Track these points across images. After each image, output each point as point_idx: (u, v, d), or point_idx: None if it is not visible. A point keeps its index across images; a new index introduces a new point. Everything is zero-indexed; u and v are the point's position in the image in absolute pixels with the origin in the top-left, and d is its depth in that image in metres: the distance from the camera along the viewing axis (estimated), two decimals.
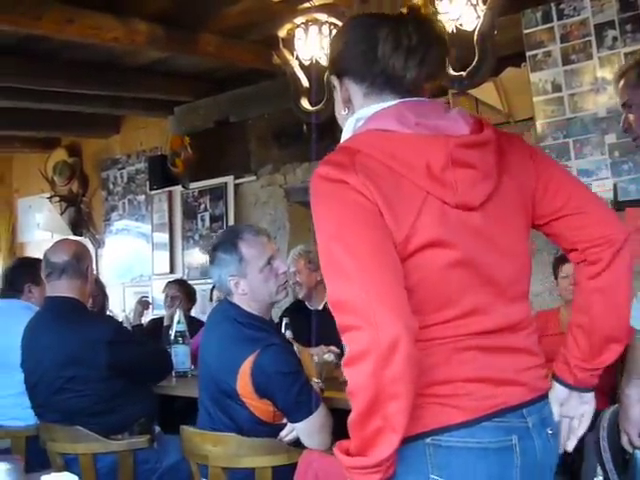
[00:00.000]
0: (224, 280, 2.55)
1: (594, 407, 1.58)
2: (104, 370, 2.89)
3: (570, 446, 1.57)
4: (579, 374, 1.55)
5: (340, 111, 1.56)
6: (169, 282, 5.13)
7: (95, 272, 3.37)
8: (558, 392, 1.56)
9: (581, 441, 1.60)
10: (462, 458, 1.34)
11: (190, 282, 6.40)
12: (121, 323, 4.02)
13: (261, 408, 2.41)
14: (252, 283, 2.53)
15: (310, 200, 1.45)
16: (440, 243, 1.37)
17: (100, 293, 4.59)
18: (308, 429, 2.35)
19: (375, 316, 1.25)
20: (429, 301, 1.38)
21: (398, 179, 1.36)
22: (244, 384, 2.37)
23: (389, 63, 1.43)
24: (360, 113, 1.48)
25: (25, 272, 3.49)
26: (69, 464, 2.83)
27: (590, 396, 1.57)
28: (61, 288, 3.04)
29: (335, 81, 1.55)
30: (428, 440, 1.34)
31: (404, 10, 1.48)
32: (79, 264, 3.05)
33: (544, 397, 1.51)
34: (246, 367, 2.35)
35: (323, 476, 2.13)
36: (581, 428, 1.57)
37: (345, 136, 1.51)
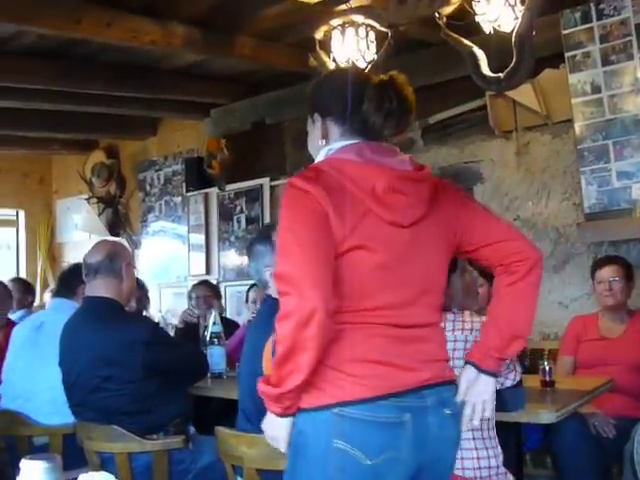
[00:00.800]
0: (260, 271, 2.55)
1: (493, 397, 1.92)
2: (139, 370, 2.90)
3: (474, 424, 1.91)
4: (489, 361, 1.90)
5: (316, 142, 1.94)
6: (195, 284, 5.12)
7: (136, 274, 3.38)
8: (469, 374, 1.89)
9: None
10: (361, 429, 1.67)
11: (225, 284, 6.46)
12: (157, 324, 4.05)
13: None
14: None
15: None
16: (368, 248, 1.75)
17: (143, 295, 4.64)
18: None
19: (302, 288, 1.66)
20: (352, 291, 1.75)
21: (349, 195, 1.76)
22: (267, 362, 2.33)
23: (370, 119, 1.85)
24: (332, 145, 1.88)
25: (79, 274, 3.54)
26: (105, 462, 2.86)
27: (492, 385, 1.91)
28: (98, 288, 3.07)
29: (317, 118, 1.94)
30: (335, 410, 1.68)
31: (385, 77, 1.94)
32: (112, 264, 3.08)
33: (447, 383, 1.83)
34: (268, 346, 2.32)
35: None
36: (487, 411, 1.90)
37: (318, 160, 1.90)
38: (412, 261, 1.81)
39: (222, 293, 6.26)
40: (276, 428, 1.79)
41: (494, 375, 1.91)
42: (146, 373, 2.92)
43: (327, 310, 1.64)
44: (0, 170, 8.06)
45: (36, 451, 3.10)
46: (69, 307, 3.36)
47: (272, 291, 2.56)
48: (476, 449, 2.17)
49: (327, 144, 1.90)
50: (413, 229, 1.81)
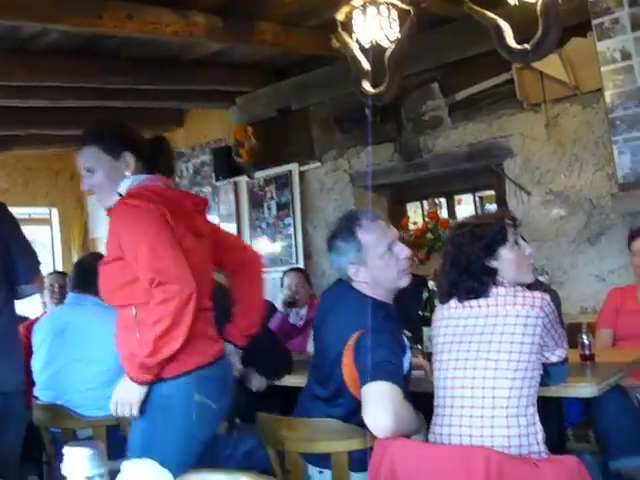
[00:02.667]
0: (343, 267, 2.49)
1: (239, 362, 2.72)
2: None
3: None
4: (240, 338, 2.68)
5: (117, 174, 2.44)
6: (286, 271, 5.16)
7: None
8: (230, 348, 2.63)
9: None
10: (209, 384, 2.34)
11: None
12: None
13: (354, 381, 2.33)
14: (372, 271, 2.46)
15: (118, 222, 2.35)
16: (192, 250, 2.35)
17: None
18: (367, 395, 2.18)
19: (181, 277, 2.23)
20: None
21: (175, 209, 2.36)
22: (348, 357, 2.33)
23: (163, 164, 2.58)
24: (136, 177, 2.44)
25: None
26: None
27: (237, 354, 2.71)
28: None
29: (118, 154, 2.44)
30: (193, 374, 2.31)
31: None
32: None
33: None
34: (351, 342, 2.31)
35: (399, 461, 2.11)
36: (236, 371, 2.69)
37: (123, 188, 2.42)
38: (208, 261, 2.51)
39: None
40: (135, 394, 2.26)
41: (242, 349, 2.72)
42: None
43: (196, 294, 2.23)
44: (32, 169, 8.14)
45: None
46: (89, 303, 3.40)
47: (355, 284, 2.50)
48: (508, 427, 2.14)
49: (131, 175, 2.44)
50: (205, 240, 2.49)
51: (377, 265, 2.46)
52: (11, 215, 3.17)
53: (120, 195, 2.41)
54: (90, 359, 3.26)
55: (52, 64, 5.17)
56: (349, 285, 2.52)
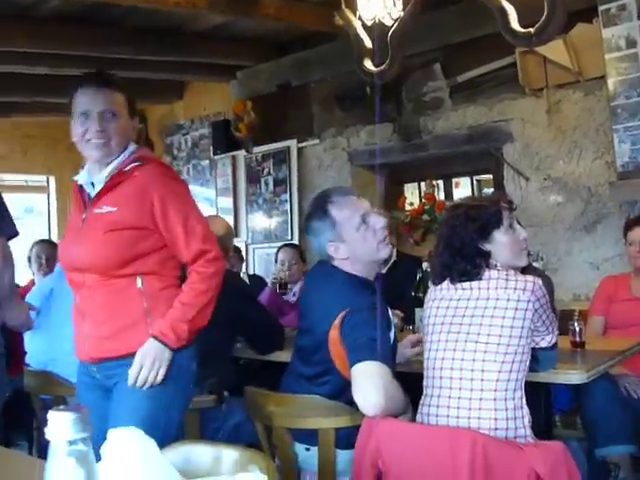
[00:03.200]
0: (323, 246, 2.49)
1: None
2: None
3: None
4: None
5: (128, 133, 2.31)
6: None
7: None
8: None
9: None
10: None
11: (254, 246, 6.49)
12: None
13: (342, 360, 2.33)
14: (351, 245, 2.44)
15: (157, 188, 2.23)
16: None
17: (238, 258, 4.80)
18: (357, 374, 2.18)
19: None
20: None
21: None
22: (334, 337, 2.32)
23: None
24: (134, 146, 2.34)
25: None
26: None
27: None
28: None
29: (133, 114, 2.34)
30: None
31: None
32: None
33: None
34: (337, 322, 2.31)
35: (385, 440, 2.12)
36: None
37: (128, 152, 2.31)
38: None
39: (250, 255, 6.32)
40: (165, 359, 2.20)
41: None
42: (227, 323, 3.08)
43: None
44: (30, 137, 8.11)
45: None
46: None
47: (337, 263, 2.48)
48: (495, 410, 2.15)
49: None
50: None
51: (354, 238, 2.45)
52: None
53: (135, 159, 2.28)
54: None
55: (54, 32, 5.14)
56: (332, 265, 2.52)
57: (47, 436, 0.75)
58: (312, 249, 2.63)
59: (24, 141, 8.04)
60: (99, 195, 2.27)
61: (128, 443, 1.21)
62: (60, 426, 0.74)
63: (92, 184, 2.31)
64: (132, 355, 2.19)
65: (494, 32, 3.81)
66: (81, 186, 2.35)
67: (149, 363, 2.17)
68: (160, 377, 2.18)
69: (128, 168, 2.26)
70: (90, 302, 2.26)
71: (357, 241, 2.45)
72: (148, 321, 2.22)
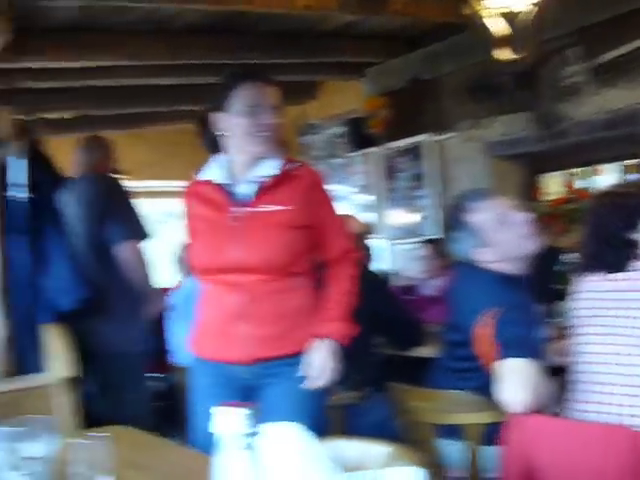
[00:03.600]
0: (468, 254, 2.48)
1: None
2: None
3: None
4: None
5: None
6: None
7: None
8: None
9: None
10: None
11: (393, 242, 6.50)
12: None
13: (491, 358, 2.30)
14: (496, 247, 2.43)
15: (318, 189, 2.31)
16: None
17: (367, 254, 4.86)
18: (504, 371, 2.16)
19: None
20: None
21: None
22: (484, 333, 2.31)
23: None
24: None
25: None
26: None
27: None
28: None
29: None
30: None
31: None
32: None
33: None
34: (488, 319, 2.28)
35: (534, 437, 2.08)
36: None
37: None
38: None
39: (390, 252, 6.35)
40: (338, 357, 2.26)
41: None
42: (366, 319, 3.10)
43: None
44: (173, 144, 8.44)
45: None
46: None
47: (484, 265, 2.45)
48: None
49: None
50: None
51: (497, 240, 2.42)
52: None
53: (291, 160, 2.36)
54: None
55: (190, 43, 5.34)
56: (474, 266, 2.49)
57: (216, 430, 0.80)
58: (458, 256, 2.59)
59: (167, 148, 8.38)
60: (261, 193, 2.25)
61: (289, 437, 1.26)
62: (230, 421, 0.79)
63: (228, 184, 2.30)
64: (298, 354, 2.21)
65: (634, 8, 3.64)
66: (216, 185, 2.31)
67: (332, 363, 2.22)
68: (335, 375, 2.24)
69: (290, 167, 2.29)
70: (252, 303, 2.20)
71: (500, 242, 2.42)
72: (311, 320, 2.25)
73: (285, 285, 2.23)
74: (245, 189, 2.28)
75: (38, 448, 1.35)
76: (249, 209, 2.23)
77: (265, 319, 2.21)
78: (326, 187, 2.36)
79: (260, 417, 2.09)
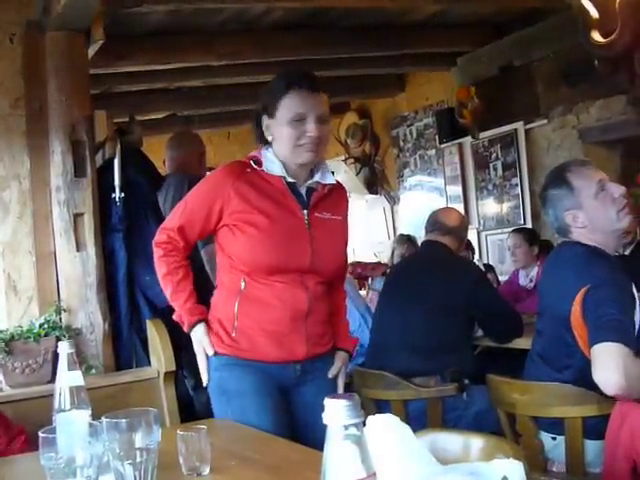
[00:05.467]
0: (560, 216, 2.44)
1: None
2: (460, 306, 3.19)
3: None
4: None
5: None
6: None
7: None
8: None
9: None
10: None
11: (485, 233, 6.42)
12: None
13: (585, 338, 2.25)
14: (589, 212, 2.38)
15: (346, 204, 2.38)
16: None
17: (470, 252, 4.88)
18: (597, 355, 2.11)
19: None
20: None
21: None
22: (576, 315, 2.27)
23: None
24: None
25: None
26: (381, 408, 2.99)
27: None
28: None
29: None
30: None
31: None
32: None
33: None
34: (578, 299, 2.25)
35: (639, 430, 2.02)
36: None
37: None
38: None
39: (483, 242, 6.27)
40: None
41: None
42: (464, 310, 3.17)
43: None
44: (246, 145, 8.57)
45: None
46: None
47: (575, 236, 2.43)
48: None
49: None
50: None
51: (593, 205, 2.37)
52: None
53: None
54: None
55: (277, 40, 5.42)
56: (570, 241, 2.44)
57: (325, 421, 0.83)
58: (548, 223, 2.56)
59: (241, 149, 8.51)
60: (317, 199, 2.26)
61: (385, 427, 1.27)
62: (337, 412, 0.81)
63: (293, 183, 2.26)
64: (329, 352, 2.34)
65: None
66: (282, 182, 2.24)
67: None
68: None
69: (330, 181, 2.29)
70: (314, 302, 2.24)
71: (596, 208, 2.37)
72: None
73: (328, 288, 2.34)
74: (304, 192, 2.27)
75: (143, 439, 1.40)
76: (316, 214, 2.25)
77: (322, 318, 2.30)
78: None
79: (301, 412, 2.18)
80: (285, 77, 2.24)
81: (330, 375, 2.31)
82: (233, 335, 2.20)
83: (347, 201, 2.41)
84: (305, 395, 2.24)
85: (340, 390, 2.32)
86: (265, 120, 2.25)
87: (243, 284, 2.19)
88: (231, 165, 2.29)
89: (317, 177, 2.26)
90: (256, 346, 2.20)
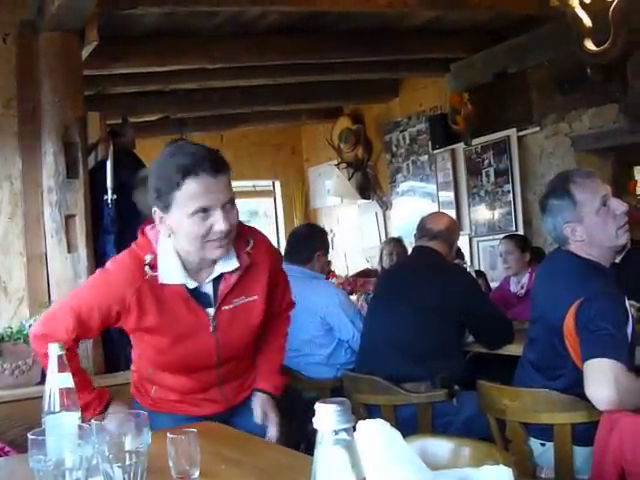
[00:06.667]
0: (559, 228, 2.44)
1: None
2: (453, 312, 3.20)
3: None
4: None
5: None
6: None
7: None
8: None
9: None
10: None
11: (477, 239, 6.42)
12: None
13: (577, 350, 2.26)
14: (589, 227, 2.36)
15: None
16: None
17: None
18: (589, 370, 2.12)
19: None
20: None
21: None
22: (569, 327, 2.28)
23: None
24: None
25: (316, 239, 3.70)
26: (371, 413, 2.98)
27: None
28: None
29: None
30: None
31: None
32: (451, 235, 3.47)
33: None
34: (572, 311, 2.24)
35: (629, 438, 2.03)
36: None
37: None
38: None
39: (475, 248, 6.28)
40: None
41: None
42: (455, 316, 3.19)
43: None
44: (255, 144, 8.60)
45: (304, 404, 3.33)
46: (296, 273, 3.32)
47: (572, 247, 2.42)
48: None
49: None
50: None
51: (594, 221, 2.36)
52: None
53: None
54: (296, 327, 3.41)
55: (271, 44, 5.42)
56: (566, 251, 2.44)
57: (315, 425, 0.83)
58: (545, 229, 2.55)
59: (251, 148, 8.54)
60: (226, 289, 2.08)
61: (375, 432, 1.27)
62: (326, 417, 0.82)
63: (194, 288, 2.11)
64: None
65: None
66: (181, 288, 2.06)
67: (274, 415, 2.30)
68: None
69: (247, 252, 2.08)
70: (228, 374, 2.26)
71: (596, 224, 2.36)
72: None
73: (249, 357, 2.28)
74: (209, 288, 2.07)
75: (133, 442, 1.39)
76: (224, 308, 2.07)
77: (242, 371, 2.27)
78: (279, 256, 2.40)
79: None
80: (181, 161, 1.88)
81: (258, 421, 2.24)
82: (151, 395, 2.23)
83: (270, 270, 2.15)
84: (237, 425, 2.19)
85: (272, 422, 2.25)
86: (158, 212, 1.93)
87: (151, 371, 2.20)
88: (128, 270, 2.01)
89: (219, 268, 2.04)
90: (174, 407, 2.21)
